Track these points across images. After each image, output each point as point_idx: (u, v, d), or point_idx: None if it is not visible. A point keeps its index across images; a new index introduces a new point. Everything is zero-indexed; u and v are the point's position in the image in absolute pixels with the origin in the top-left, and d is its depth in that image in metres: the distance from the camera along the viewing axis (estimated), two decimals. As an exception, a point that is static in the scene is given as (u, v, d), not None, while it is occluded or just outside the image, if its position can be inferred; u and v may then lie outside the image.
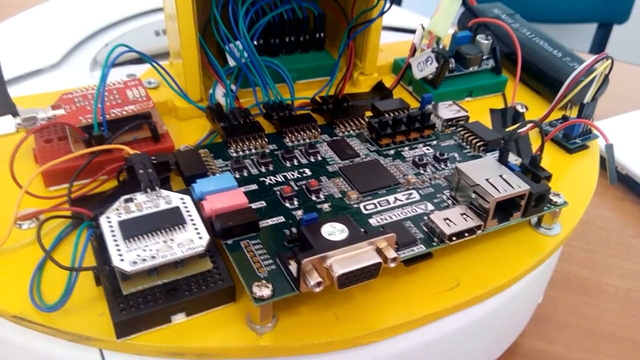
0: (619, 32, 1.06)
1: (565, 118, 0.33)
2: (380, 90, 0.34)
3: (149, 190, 0.22)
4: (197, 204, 0.22)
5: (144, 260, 0.19)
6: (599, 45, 1.04)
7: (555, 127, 0.32)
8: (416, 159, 0.28)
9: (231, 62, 0.31)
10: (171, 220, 0.21)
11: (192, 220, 0.21)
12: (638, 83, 0.56)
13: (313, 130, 0.29)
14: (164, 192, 0.22)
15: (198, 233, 0.20)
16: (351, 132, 0.30)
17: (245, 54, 0.30)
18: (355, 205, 0.25)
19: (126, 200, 0.21)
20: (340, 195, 0.25)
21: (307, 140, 0.29)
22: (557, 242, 0.26)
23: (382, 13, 0.32)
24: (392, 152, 0.29)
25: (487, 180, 0.24)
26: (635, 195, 0.42)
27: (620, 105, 0.50)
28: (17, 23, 0.42)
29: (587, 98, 0.31)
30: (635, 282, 0.36)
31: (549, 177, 0.26)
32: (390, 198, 0.25)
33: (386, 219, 0.24)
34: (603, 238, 0.39)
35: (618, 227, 0.40)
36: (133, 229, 0.20)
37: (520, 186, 0.24)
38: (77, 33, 0.40)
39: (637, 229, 0.40)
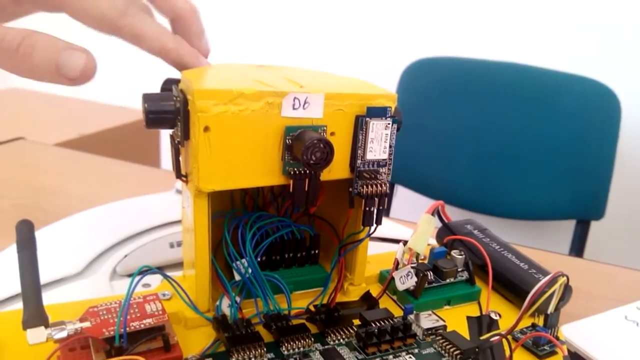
0: (597, 228, 1.12)
1: (534, 325, 0.37)
2: (367, 299, 0.38)
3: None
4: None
5: None
6: (578, 241, 1.10)
7: (525, 334, 0.36)
8: (399, 367, 0.31)
9: (237, 277, 0.36)
10: None
11: None
12: (614, 282, 0.60)
13: (307, 339, 0.33)
14: (175, 402, 0.25)
15: None
16: (341, 340, 0.34)
17: (250, 270, 0.35)
18: (344, 413, 0.28)
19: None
20: (330, 403, 0.28)
21: (302, 349, 0.32)
22: None
23: (368, 235, 0.37)
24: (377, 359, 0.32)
25: (461, 389, 0.27)
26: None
27: (598, 305, 0.53)
28: (44, 234, 0.47)
29: (550, 309, 0.35)
30: None
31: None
32: (376, 406, 0.28)
33: None
34: None
35: None
36: None
37: (490, 396, 0.27)
38: (98, 244, 0.45)
39: None
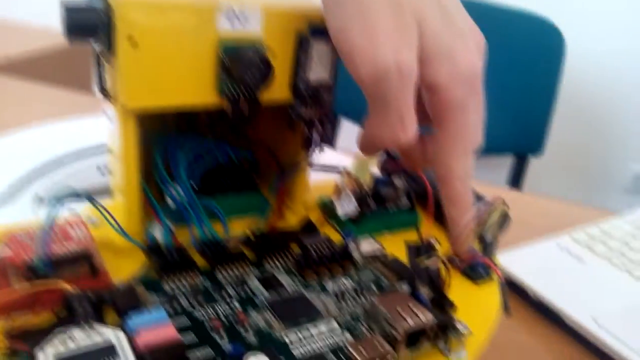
0: (535, 164, 1.16)
1: (470, 249, 0.37)
2: (307, 225, 0.37)
3: (85, 325, 0.24)
4: (131, 338, 0.24)
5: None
6: (516, 176, 1.13)
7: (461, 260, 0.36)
8: (337, 290, 0.31)
9: (169, 202, 0.34)
10: (106, 356, 0.22)
11: (125, 356, 0.22)
12: (549, 214, 0.62)
13: (244, 266, 0.32)
14: (100, 327, 0.24)
15: (130, 367, 0.22)
16: (279, 265, 0.33)
17: (183, 195, 0.33)
18: (280, 337, 0.27)
19: (62, 335, 0.23)
20: (266, 328, 0.28)
21: (238, 275, 0.31)
22: (465, 368, 0.29)
23: (307, 158, 0.36)
24: (315, 283, 0.32)
25: (397, 311, 0.27)
26: (547, 318, 0.46)
27: (531, 234, 0.55)
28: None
29: (488, 234, 0.36)
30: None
31: (454, 307, 0.29)
32: (314, 329, 0.28)
33: (309, 351, 0.26)
34: (518, 361, 0.42)
35: (532, 350, 0.43)
36: (68, 364, 0.21)
37: (425, 316, 0.27)
38: (21, 169, 0.42)
39: (550, 351, 0.43)
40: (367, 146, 0.33)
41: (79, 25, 0.28)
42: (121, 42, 0.28)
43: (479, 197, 0.40)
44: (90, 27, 0.28)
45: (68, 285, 0.26)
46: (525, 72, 1.06)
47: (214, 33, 0.30)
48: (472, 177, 0.34)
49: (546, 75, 1.07)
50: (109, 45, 0.29)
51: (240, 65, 0.30)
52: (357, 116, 1.13)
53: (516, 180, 1.13)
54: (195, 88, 0.30)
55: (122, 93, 0.29)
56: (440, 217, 0.41)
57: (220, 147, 0.37)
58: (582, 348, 0.42)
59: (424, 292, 0.30)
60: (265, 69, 0.30)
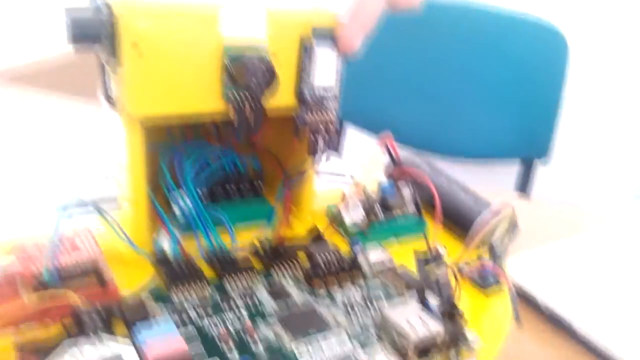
0: (543, 169, 1.15)
1: (479, 258, 0.37)
2: (314, 234, 0.37)
3: (93, 336, 0.24)
4: (140, 351, 0.24)
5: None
6: (523, 181, 1.12)
7: (471, 266, 0.36)
8: (346, 301, 0.31)
9: (176, 210, 0.34)
10: (113, 368, 0.22)
11: (133, 367, 0.22)
12: (556, 219, 0.61)
13: (251, 275, 0.31)
14: (108, 339, 0.24)
15: (138, 380, 0.22)
16: (287, 275, 0.33)
17: (190, 203, 0.33)
18: (289, 349, 0.27)
19: (70, 346, 0.23)
20: (275, 339, 0.27)
21: (246, 285, 0.31)
22: (475, 378, 0.28)
23: (314, 165, 0.36)
24: (324, 293, 0.31)
25: (407, 321, 0.27)
26: (557, 327, 0.45)
27: (540, 240, 0.54)
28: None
29: (496, 240, 0.35)
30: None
31: (463, 316, 0.29)
32: (322, 340, 0.28)
33: (317, 361, 0.26)
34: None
35: None
36: (76, 378, 0.21)
37: (435, 327, 0.27)
38: (27, 177, 0.42)
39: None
40: None
41: (83, 33, 0.28)
42: (126, 50, 0.28)
43: (486, 205, 0.40)
44: (94, 35, 0.28)
45: (77, 297, 0.26)
46: (529, 77, 1.06)
47: (219, 40, 0.30)
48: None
49: (550, 79, 1.06)
50: (114, 53, 0.29)
51: (244, 71, 0.30)
52: (363, 123, 1.13)
53: (524, 185, 1.12)
54: (200, 95, 0.30)
55: (128, 101, 0.29)
56: (448, 224, 0.41)
57: (227, 155, 0.37)
58: (594, 359, 0.41)
59: (434, 302, 0.30)
60: (269, 76, 0.30)
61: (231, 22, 0.29)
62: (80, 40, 0.28)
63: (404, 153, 0.45)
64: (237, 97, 0.30)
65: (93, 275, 0.29)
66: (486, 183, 0.64)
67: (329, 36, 0.32)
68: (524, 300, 0.46)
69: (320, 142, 0.33)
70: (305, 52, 0.32)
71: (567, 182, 1.31)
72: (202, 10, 0.29)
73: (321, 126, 0.33)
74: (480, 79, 1.04)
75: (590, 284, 0.47)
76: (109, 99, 0.31)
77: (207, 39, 0.29)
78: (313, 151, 0.34)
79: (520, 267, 0.48)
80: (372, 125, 1.13)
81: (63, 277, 0.28)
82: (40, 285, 0.27)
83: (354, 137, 1.12)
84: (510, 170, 1.15)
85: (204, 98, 0.30)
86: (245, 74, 0.29)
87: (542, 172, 1.13)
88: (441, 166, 0.46)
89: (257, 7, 0.30)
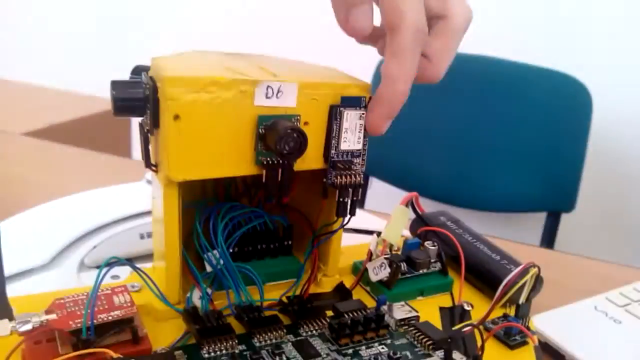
0: (568, 221, 1.14)
1: (505, 316, 0.37)
2: (341, 290, 0.38)
3: (129, 393, 0.24)
4: (172, 406, 0.25)
5: None
6: (549, 233, 1.11)
7: (497, 324, 0.36)
8: (372, 358, 0.31)
9: (208, 268, 0.35)
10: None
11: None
12: (584, 274, 0.61)
13: (279, 331, 0.32)
14: (143, 395, 0.24)
15: None
16: (314, 332, 0.33)
17: (221, 261, 0.34)
18: (316, 405, 0.27)
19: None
20: (302, 395, 0.28)
21: (274, 341, 0.32)
22: None
23: (342, 226, 0.37)
24: (350, 351, 0.32)
25: (433, 380, 0.27)
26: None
27: (568, 296, 0.54)
28: (10, 224, 0.46)
29: (522, 299, 0.36)
30: None
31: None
32: (348, 397, 0.28)
33: (344, 418, 0.27)
34: None
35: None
36: None
37: (461, 386, 0.27)
38: (66, 235, 0.44)
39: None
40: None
41: (127, 107, 0.30)
42: (166, 117, 0.30)
43: (512, 262, 0.40)
44: (136, 104, 0.31)
45: (113, 354, 0.27)
46: (553, 129, 1.06)
47: (253, 107, 0.31)
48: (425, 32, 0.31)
49: (574, 131, 1.07)
50: (155, 120, 0.31)
51: (276, 136, 0.31)
52: (388, 176, 1.14)
53: (550, 237, 1.11)
54: (235, 160, 0.32)
55: (166, 165, 0.30)
56: (474, 281, 0.41)
57: (256, 213, 0.38)
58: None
59: (459, 358, 0.30)
60: (300, 142, 0.31)
61: (265, 91, 0.31)
62: (124, 113, 0.30)
63: (429, 210, 0.46)
64: (270, 162, 0.32)
65: (128, 329, 0.30)
66: (511, 236, 0.64)
67: (357, 104, 0.34)
68: (552, 355, 0.45)
69: (348, 204, 0.35)
70: (334, 119, 0.33)
71: (592, 233, 1.29)
72: (238, 79, 0.31)
73: (349, 188, 0.34)
74: (505, 131, 1.05)
75: (618, 339, 0.47)
76: (148, 162, 0.33)
77: (242, 106, 0.31)
78: (341, 213, 0.35)
79: (547, 322, 0.47)
80: (396, 178, 1.14)
81: (99, 332, 0.29)
82: (76, 339, 0.29)
83: (379, 190, 1.13)
84: (536, 223, 1.15)
85: (238, 163, 0.32)
86: (277, 138, 0.31)
87: (567, 224, 1.13)
88: (466, 219, 0.47)
89: (290, 81, 0.32)
